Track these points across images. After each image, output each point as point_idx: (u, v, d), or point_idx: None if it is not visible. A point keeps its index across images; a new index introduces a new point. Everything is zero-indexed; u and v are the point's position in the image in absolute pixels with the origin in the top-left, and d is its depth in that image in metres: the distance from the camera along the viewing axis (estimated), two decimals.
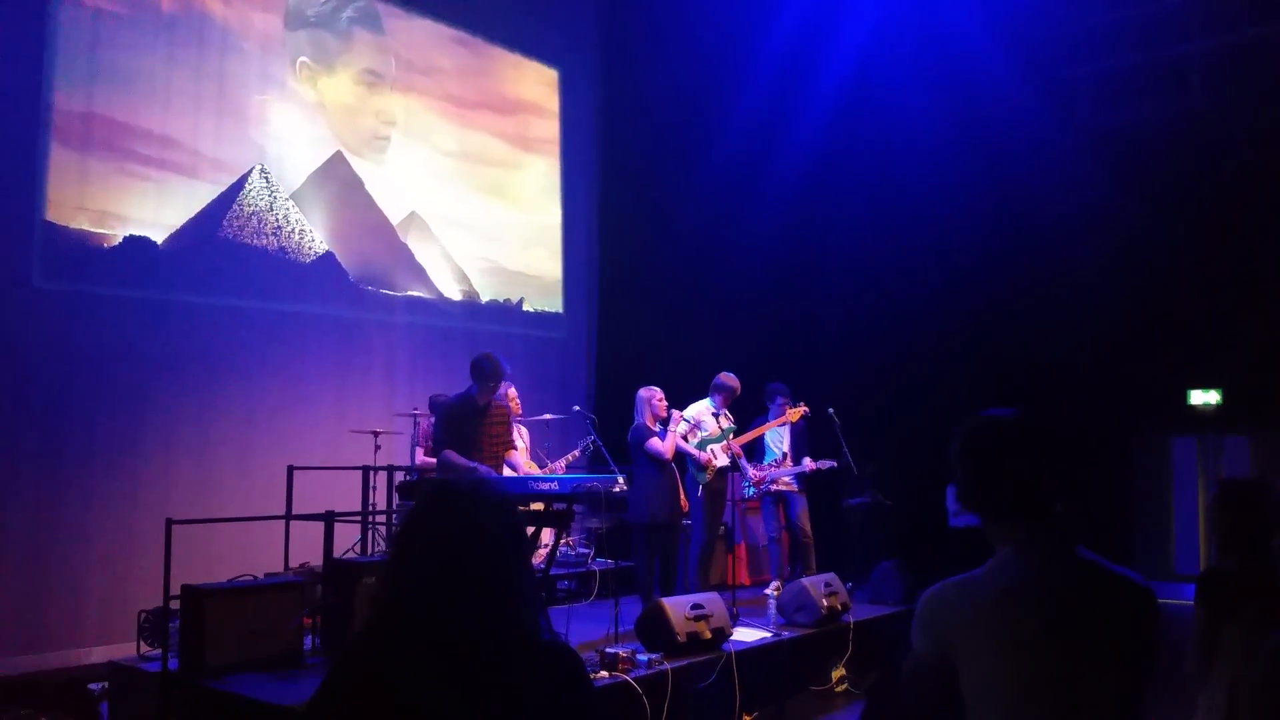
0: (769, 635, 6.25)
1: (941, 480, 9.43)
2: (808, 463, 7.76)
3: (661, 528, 6.71)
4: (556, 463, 7.88)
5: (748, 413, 7.86)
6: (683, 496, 6.82)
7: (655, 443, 6.75)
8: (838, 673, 6.55)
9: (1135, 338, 9.44)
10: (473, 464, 5.82)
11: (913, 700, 1.93)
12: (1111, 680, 1.81)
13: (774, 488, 7.82)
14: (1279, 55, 8.83)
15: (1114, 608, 1.85)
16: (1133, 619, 1.85)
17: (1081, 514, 2.01)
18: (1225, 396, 9.60)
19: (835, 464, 7.84)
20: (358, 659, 1.64)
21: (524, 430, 7.87)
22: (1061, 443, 1.89)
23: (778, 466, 7.85)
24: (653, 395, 6.88)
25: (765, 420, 7.80)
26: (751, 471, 7.83)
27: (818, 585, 6.65)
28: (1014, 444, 1.90)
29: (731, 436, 7.25)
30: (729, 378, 7.37)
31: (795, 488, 7.80)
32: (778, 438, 7.91)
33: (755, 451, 7.95)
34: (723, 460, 7.16)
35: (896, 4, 9.99)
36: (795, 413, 7.69)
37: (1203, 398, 9.71)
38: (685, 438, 6.96)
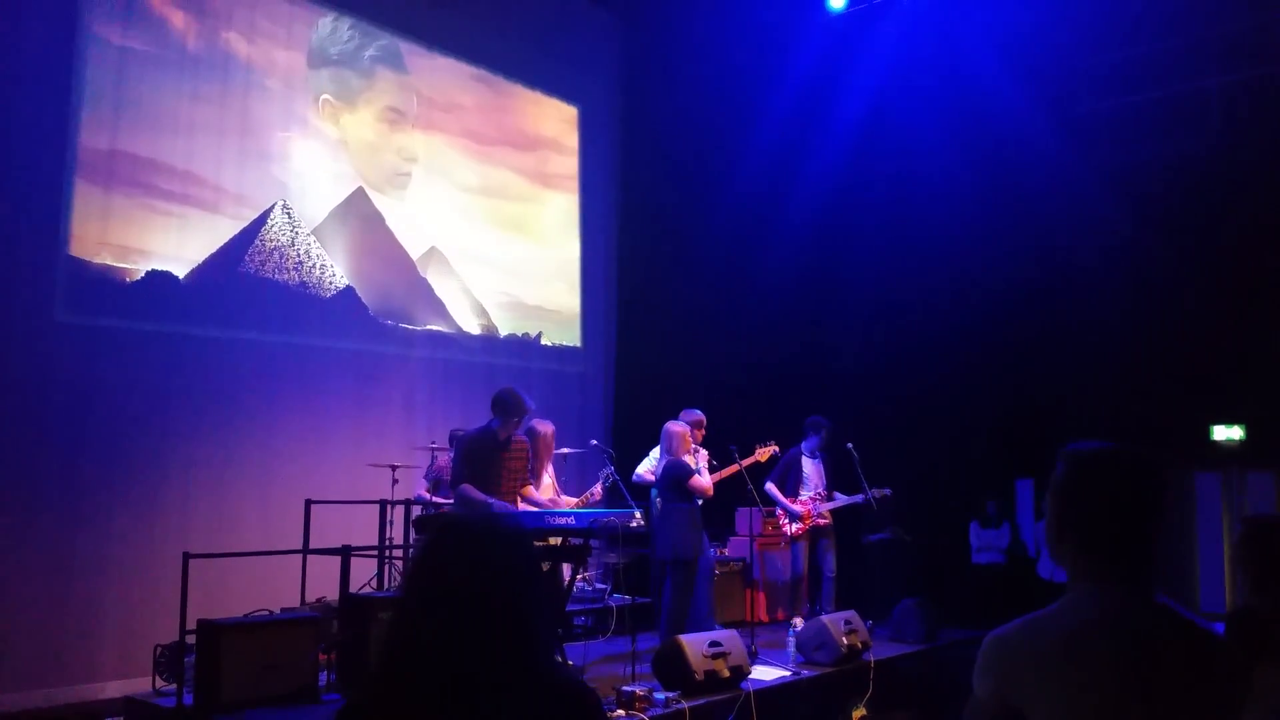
0: (788, 674, 6.18)
1: (963, 516, 9.40)
2: (839, 498, 7.75)
3: (690, 564, 6.67)
4: (592, 487, 7.66)
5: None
6: None
7: (699, 479, 6.74)
8: (858, 712, 6.46)
9: (1157, 372, 9.36)
10: (488, 499, 5.77)
11: None
12: None
13: (820, 522, 7.78)
14: None
15: (1194, 662, 1.67)
16: (1215, 678, 1.67)
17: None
18: (1248, 432, 9.49)
19: (862, 498, 7.74)
20: (368, 696, 1.61)
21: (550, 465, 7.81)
22: (1166, 484, 1.76)
23: (816, 501, 7.78)
24: (686, 431, 6.87)
25: (798, 452, 7.77)
26: (795, 506, 7.71)
27: (837, 623, 6.58)
28: (1131, 475, 1.76)
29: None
30: (690, 414, 7.23)
31: (831, 522, 7.79)
32: (816, 471, 7.86)
33: (791, 487, 7.87)
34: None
35: (913, 42, 10.04)
36: (764, 452, 7.58)
37: (1225, 433, 9.61)
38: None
